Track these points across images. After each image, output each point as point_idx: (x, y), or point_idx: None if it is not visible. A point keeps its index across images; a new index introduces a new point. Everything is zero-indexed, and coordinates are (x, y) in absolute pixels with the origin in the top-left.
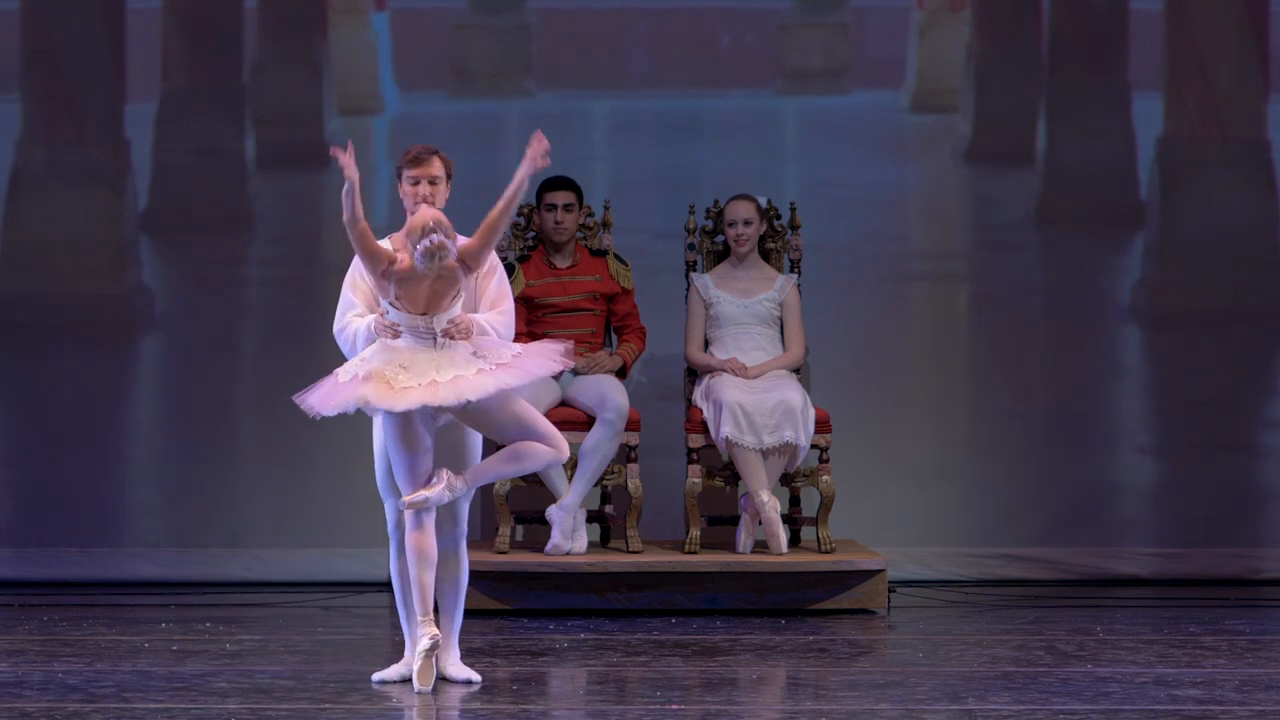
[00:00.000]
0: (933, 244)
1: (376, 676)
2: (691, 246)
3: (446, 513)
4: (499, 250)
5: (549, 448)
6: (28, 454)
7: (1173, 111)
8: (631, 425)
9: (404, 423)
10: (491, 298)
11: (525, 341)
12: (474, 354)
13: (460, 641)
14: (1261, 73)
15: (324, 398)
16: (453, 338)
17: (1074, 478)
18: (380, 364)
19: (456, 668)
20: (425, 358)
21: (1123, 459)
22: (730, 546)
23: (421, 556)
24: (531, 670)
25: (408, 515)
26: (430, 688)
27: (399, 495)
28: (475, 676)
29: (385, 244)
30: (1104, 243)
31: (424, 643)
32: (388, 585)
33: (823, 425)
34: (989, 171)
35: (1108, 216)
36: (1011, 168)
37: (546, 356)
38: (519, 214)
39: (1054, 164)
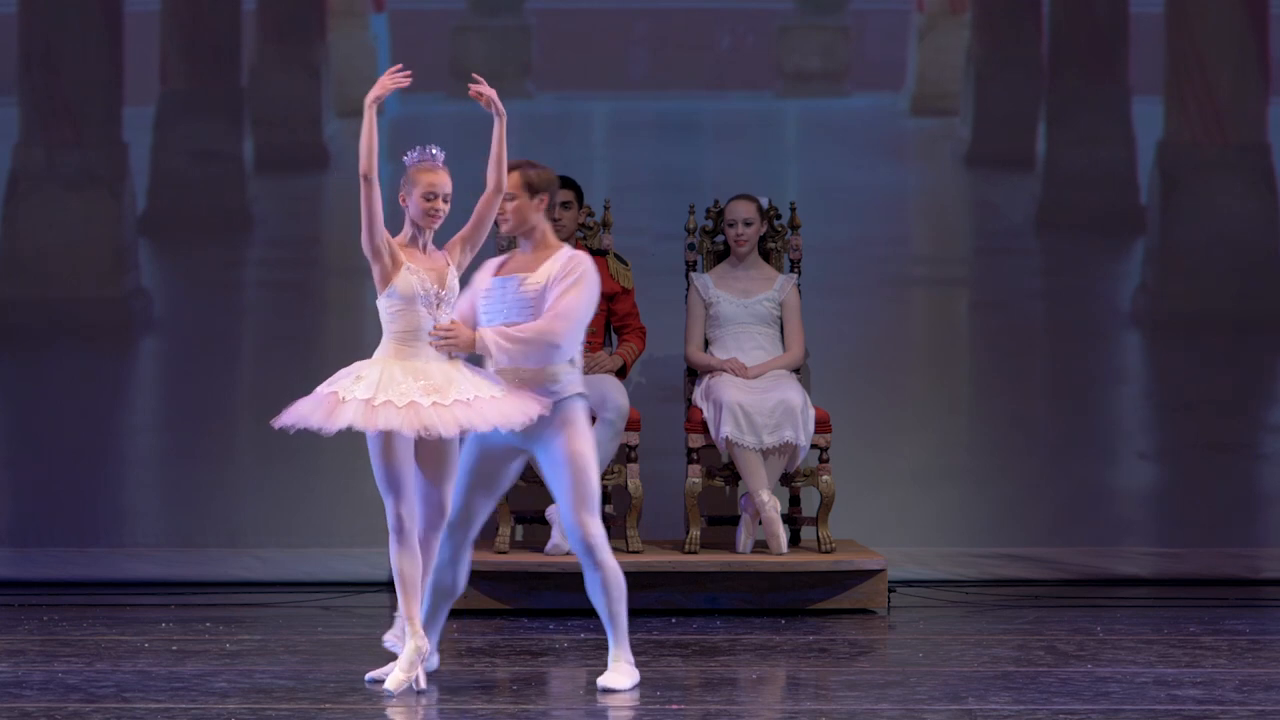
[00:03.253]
0: (933, 248)
1: (370, 675)
2: (691, 246)
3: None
4: (499, 249)
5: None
6: (28, 454)
7: (1173, 115)
8: (631, 425)
9: (385, 439)
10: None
11: None
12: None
13: (460, 641)
14: (1262, 76)
15: (315, 409)
16: (443, 345)
17: (1074, 478)
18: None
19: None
20: (440, 371)
21: (1123, 461)
22: (730, 546)
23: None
24: (531, 670)
25: (392, 529)
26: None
27: (395, 495)
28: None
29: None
30: (1104, 247)
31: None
32: (387, 585)
33: (823, 425)
34: (989, 176)
35: (1108, 221)
36: (1011, 172)
37: (523, 409)
38: None
39: (1054, 168)
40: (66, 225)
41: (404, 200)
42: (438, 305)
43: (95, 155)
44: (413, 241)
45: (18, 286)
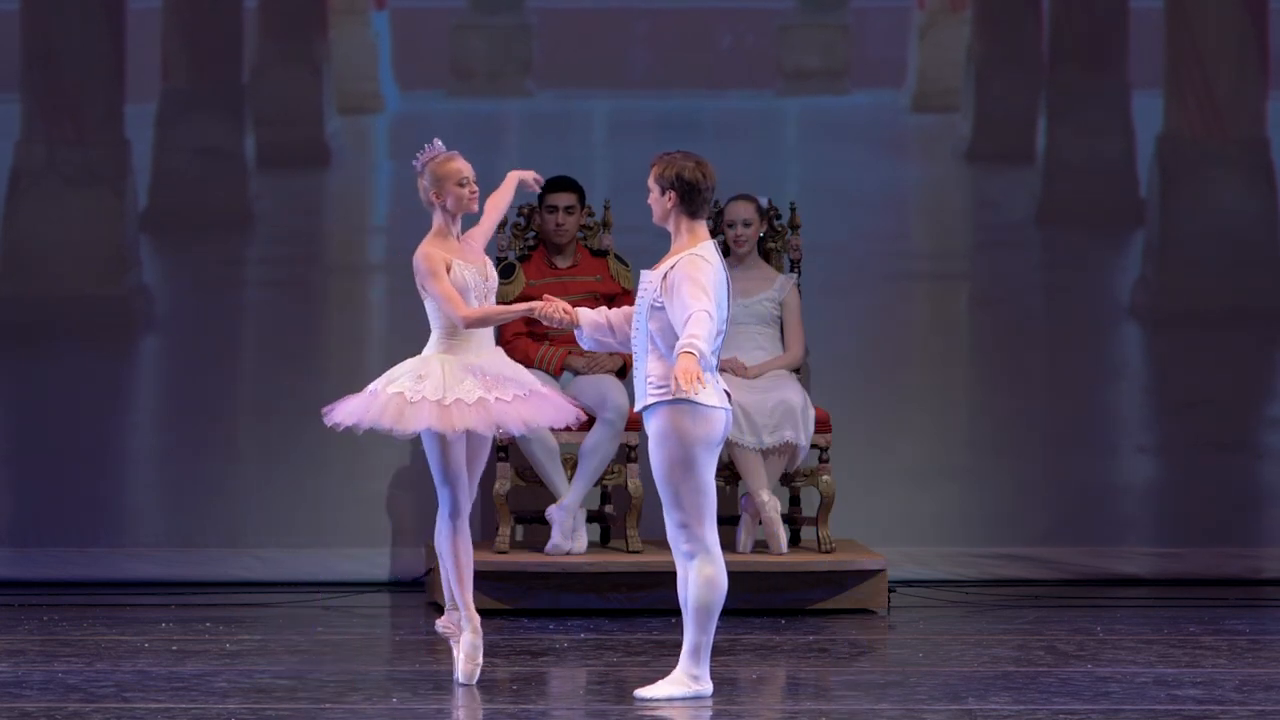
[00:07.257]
0: (933, 244)
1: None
2: None
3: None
4: (499, 249)
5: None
6: (28, 454)
7: (1173, 110)
8: (631, 425)
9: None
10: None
11: (524, 342)
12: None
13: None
14: (1261, 71)
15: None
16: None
17: (1074, 477)
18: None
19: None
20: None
21: (1123, 458)
22: (730, 546)
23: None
24: (531, 670)
25: (449, 515)
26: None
27: (454, 484)
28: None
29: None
30: (1104, 242)
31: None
32: (388, 585)
33: (823, 425)
34: (989, 171)
35: (1108, 215)
36: (1012, 167)
37: (566, 409)
38: (519, 213)
39: (1054, 163)
40: (68, 223)
41: (436, 196)
42: (486, 297)
43: (97, 152)
44: (447, 237)
45: (18, 284)
